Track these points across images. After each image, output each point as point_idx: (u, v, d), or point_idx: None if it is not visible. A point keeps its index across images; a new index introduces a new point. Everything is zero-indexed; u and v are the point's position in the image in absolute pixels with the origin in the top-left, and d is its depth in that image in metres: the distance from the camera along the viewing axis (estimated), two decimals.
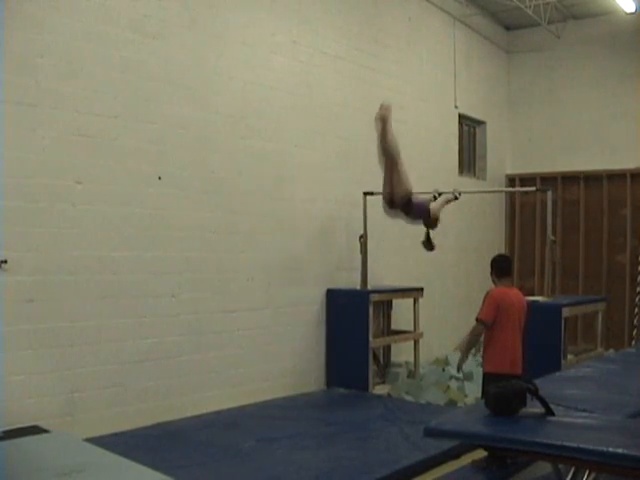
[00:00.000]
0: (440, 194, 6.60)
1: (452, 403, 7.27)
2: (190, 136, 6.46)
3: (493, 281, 5.47)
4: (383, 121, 5.87)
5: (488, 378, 5.09)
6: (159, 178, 6.19)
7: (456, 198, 6.84)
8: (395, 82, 9.15)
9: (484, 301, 5.33)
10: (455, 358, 9.37)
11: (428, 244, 6.47)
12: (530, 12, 10.06)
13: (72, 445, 4.44)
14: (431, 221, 6.28)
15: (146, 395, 6.06)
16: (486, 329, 5.19)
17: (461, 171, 10.95)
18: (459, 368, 5.44)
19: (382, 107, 5.90)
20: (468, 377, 8.32)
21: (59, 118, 5.43)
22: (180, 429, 5.89)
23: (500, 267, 5.45)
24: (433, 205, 6.32)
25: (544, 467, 4.14)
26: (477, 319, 5.25)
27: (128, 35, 5.92)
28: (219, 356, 6.74)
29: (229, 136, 6.85)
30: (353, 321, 7.73)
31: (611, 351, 8.64)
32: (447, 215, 10.26)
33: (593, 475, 3.73)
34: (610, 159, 10.96)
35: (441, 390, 7.62)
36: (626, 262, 10.78)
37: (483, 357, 5.34)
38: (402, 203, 6.08)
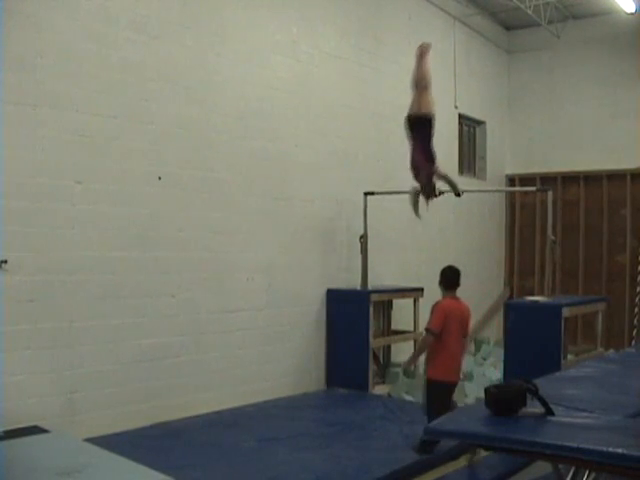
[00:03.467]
0: (442, 193, 6.53)
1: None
2: (190, 136, 6.46)
3: (441, 289, 5.72)
4: (423, 53, 6.77)
5: (433, 385, 5.40)
6: (159, 178, 6.19)
7: (458, 195, 6.75)
8: (395, 82, 9.14)
9: (432, 312, 5.57)
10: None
11: (415, 206, 6.41)
12: (530, 12, 10.06)
13: (72, 445, 4.45)
14: (431, 179, 6.19)
15: (146, 395, 6.06)
16: (439, 336, 5.39)
17: (461, 171, 10.94)
18: (405, 371, 5.63)
19: (424, 44, 6.77)
20: (468, 377, 8.33)
21: (59, 118, 5.43)
22: (180, 429, 5.89)
23: (449, 279, 5.69)
24: (442, 170, 6.27)
25: (544, 467, 4.14)
26: (427, 329, 5.47)
27: (128, 35, 5.92)
28: (219, 356, 6.74)
29: (229, 136, 6.85)
30: (353, 321, 7.74)
31: (611, 351, 8.63)
32: (447, 215, 10.36)
33: (593, 475, 3.73)
34: (610, 159, 10.96)
35: None
36: (626, 262, 10.78)
37: (428, 365, 5.54)
38: (423, 126, 6.16)
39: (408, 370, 5.70)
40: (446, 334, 5.38)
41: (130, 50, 5.94)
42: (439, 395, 5.34)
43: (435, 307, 5.57)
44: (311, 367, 7.85)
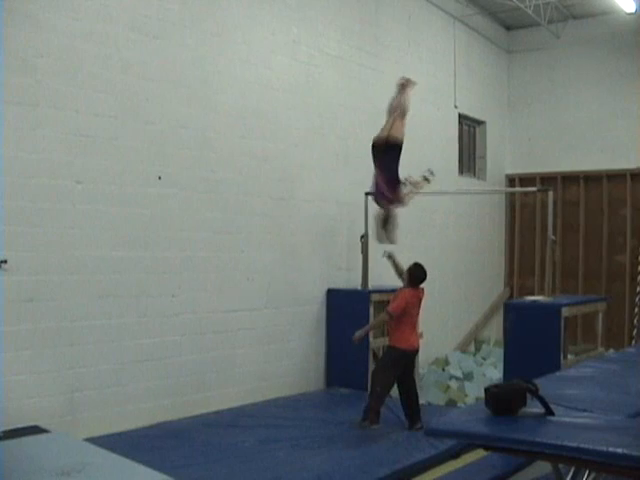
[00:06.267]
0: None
1: (452, 403, 7.27)
2: (190, 136, 6.47)
3: (405, 282, 6.28)
4: (404, 86, 6.77)
5: (396, 352, 6.12)
6: (159, 178, 6.19)
7: (427, 180, 6.84)
8: (395, 82, 9.13)
9: (396, 296, 6.27)
10: (456, 358, 9.40)
11: (384, 226, 6.51)
12: (530, 12, 10.06)
13: (72, 445, 4.44)
14: (394, 197, 6.36)
15: (146, 395, 6.06)
16: (397, 317, 6.08)
17: (461, 171, 10.95)
18: (356, 338, 6.23)
19: (408, 80, 6.73)
20: (468, 377, 8.33)
21: (59, 118, 5.43)
22: (180, 429, 5.89)
23: (418, 279, 6.26)
24: (406, 190, 6.47)
25: (544, 467, 4.14)
26: (387, 310, 6.16)
27: (128, 35, 5.92)
28: (219, 356, 6.74)
29: (229, 136, 6.85)
30: (353, 321, 7.71)
31: (611, 351, 8.64)
32: (447, 215, 10.36)
33: (593, 475, 3.73)
34: (610, 159, 10.96)
35: (441, 390, 7.63)
36: (626, 262, 10.78)
37: (391, 337, 6.26)
38: (391, 151, 6.24)
39: (358, 342, 6.32)
40: (408, 315, 6.13)
41: (130, 50, 5.94)
42: (394, 359, 6.09)
43: (399, 293, 6.28)
44: (311, 367, 7.85)
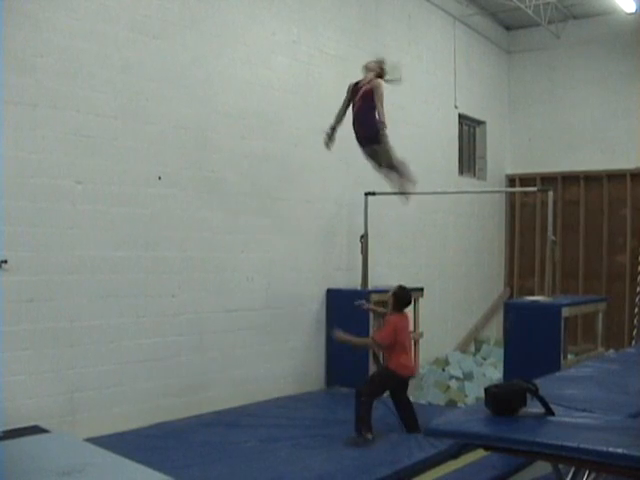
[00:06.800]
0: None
1: (452, 403, 7.27)
2: (190, 136, 6.47)
3: (390, 308, 6.06)
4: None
5: (390, 374, 5.89)
6: (159, 178, 6.19)
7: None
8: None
9: (385, 323, 6.12)
10: (456, 358, 9.40)
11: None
12: (530, 12, 10.06)
13: (72, 445, 4.44)
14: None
15: (146, 395, 6.06)
16: (389, 346, 5.87)
17: (461, 171, 10.95)
18: (337, 337, 5.97)
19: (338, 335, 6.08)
20: (468, 377, 8.33)
21: (59, 118, 5.43)
22: (180, 429, 5.88)
23: (405, 302, 6.05)
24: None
25: (544, 467, 4.14)
26: (373, 338, 6.10)
27: (128, 35, 5.93)
28: (219, 356, 6.74)
29: (229, 136, 6.85)
30: (353, 321, 7.71)
31: (611, 351, 8.64)
32: (447, 215, 10.36)
33: (593, 475, 3.73)
34: (610, 159, 10.96)
35: (441, 390, 7.62)
36: (626, 262, 10.78)
37: (388, 360, 5.99)
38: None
39: (338, 340, 6.06)
40: (400, 343, 5.87)
41: (130, 50, 5.94)
42: (383, 381, 5.90)
43: (387, 320, 6.08)
44: (311, 367, 7.85)
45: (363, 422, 5.62)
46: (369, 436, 5.58)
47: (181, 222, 6.39)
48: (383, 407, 6.82)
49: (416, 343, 8.39)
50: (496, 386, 3.52)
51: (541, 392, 3.42)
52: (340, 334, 5.98)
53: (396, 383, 5.95)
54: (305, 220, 7.76)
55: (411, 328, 6.29)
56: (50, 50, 5.37)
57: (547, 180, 11.15)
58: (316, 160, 7.88)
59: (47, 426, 4.96)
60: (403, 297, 6.03)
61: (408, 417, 6.00)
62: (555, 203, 9.55)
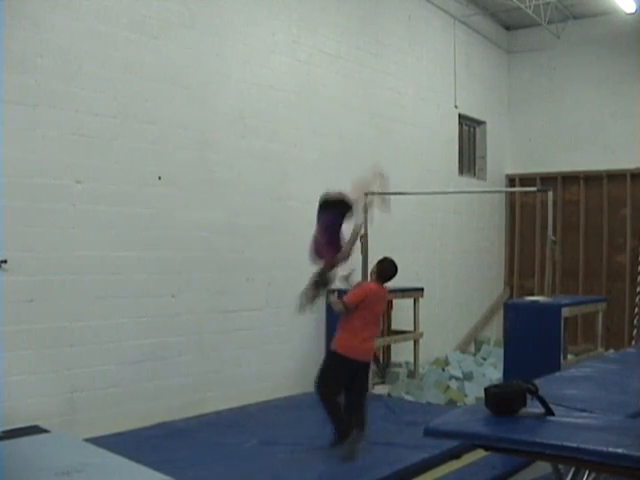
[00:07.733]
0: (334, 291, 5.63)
1: (452, 403, 7.27)
2: (190, 136, 6.47)
3: (373, 276, 5.61)
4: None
5: (334, 356, 5.41)
6: (159, 178, 6.19)
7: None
8: (395, 82, 9.15)
9: (355, 287, 5.52)
10: (456, 358, 9.39)
11: (322, 283, 5.46)
12: (530, 12, 10.06)
13: (72, 445, 4.44)
14: (330, 269, 5.49)
15: (146, 395, 6.06)
16: (350, 312, 5.29)
17: (461, 171, 10.95)
18: (301, 307, 5.42)
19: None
20: (468, 377, 8.33)
21: (59, 118, 5.43)
22: (180, 429, 5.88)
23: (388, 275, 5.61)
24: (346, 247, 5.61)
25: (544, 467, 4.14)
26: (341, 300, 5.32)
27: (128, 35, 5.92)
28: (219, 356, 6.74)
29: (229, 136, 6.85)
30: None
31: (611, 351, 8.64)
32: (447, 215, 10.35)
33: (593, 475, 3.73)
34: (610, 159, 10.96)
35: (441, 390, 7.62)
36: (626, 262, 10.78)
37: (336, 338, 5.44)
38: (340, 212, 5.61)
39: (303, 306, 5.40)
40: (358, 314, 5.29)
41: (130, 50, 5.94)
42: (332, 366, 5.38)
43: (360, 285, 5.63)
44: (311, 367, 7.79)
45: (337, 430, 5.24)
46: (348, 441, 5.18)
47: (181, 222, 6.39)
48: (383, 407, 6.83)
49: (416, 343, 8.41)
50: (496, 386, 3.52)
51: (541, 392, 3.42)
52: (334, 299, 5.39)
53: (349, 369, 5.28)
54: (305, 220, 7.73)
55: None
56: (50, 50, 5.37)
57: (547, 180, 11.14)
58: (316, 160, 7.88)
59: (47, 426, 4.97)
60: (387, 267, 5.60)
61: (353, 413, 5.32)
62: (555, 203, 9.54)
